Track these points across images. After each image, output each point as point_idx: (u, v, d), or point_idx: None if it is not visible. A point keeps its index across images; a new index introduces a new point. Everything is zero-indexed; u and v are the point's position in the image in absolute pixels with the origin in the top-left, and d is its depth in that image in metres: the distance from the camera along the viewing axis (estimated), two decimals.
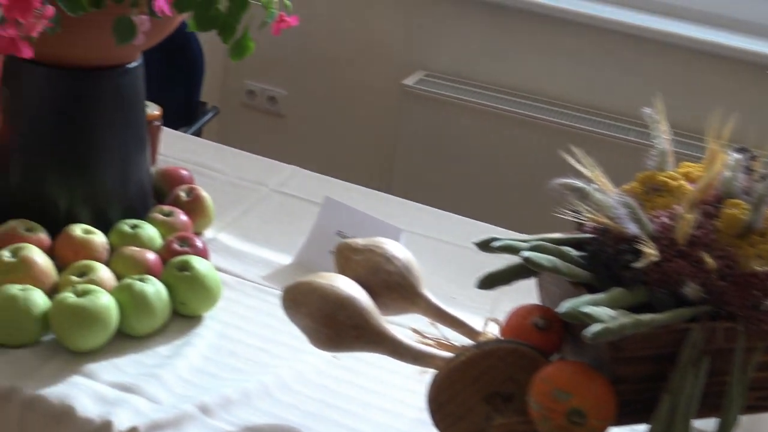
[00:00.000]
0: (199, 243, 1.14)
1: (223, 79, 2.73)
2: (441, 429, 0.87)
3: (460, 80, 2.43)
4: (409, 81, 2.44)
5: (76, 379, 0.94)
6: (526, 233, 0.98)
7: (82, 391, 0.92)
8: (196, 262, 1.07)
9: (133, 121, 1.16)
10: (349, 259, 0.97)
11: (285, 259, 1.26)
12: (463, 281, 1.06)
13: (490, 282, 0.87)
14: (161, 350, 1.01)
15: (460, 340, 0.94)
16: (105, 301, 0.97)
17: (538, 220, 1.15)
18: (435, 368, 0.89)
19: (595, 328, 0.72)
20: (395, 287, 0.95)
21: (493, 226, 1.40)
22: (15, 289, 0.96)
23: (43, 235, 1.09)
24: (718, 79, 2.25)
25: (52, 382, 0.92)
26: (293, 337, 0.97)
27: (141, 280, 1.02)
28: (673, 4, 2.30)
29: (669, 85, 2.17)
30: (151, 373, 0.96)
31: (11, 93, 1.14)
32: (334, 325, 0.88)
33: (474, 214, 1.48)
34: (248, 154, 1.59)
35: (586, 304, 0.76)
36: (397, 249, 0.97)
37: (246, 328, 1.08)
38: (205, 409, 0.92)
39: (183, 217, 1.21)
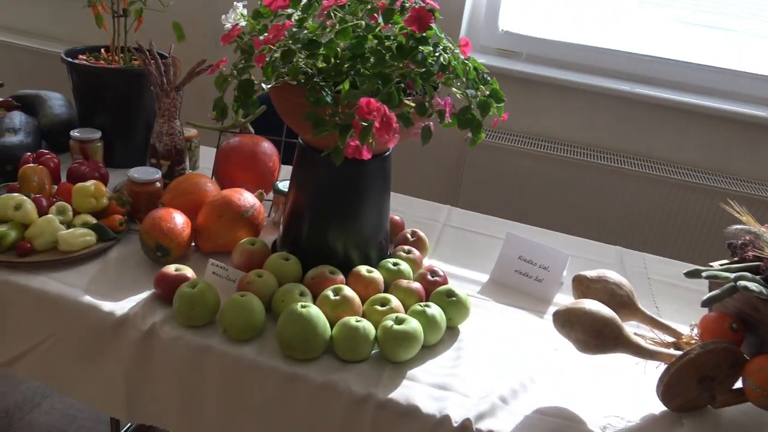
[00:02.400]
0: (441, 273, 1.16)
1: None
2: (666, 402, 0.92)
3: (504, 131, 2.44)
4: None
5: (408, 384, 0.96)
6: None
7: (416, 392, 0.94)
8: (456, 289, 1.10)
9: (384, 188, 1.18)
10: (589, 287, 1.00)
11: (482, 277, 1.28)
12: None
13: (710, 302, 0.92)
14: (447, 354, 1.04)
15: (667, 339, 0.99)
16: (415, 325, 0.99)
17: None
18: (664, 362, 0.93)
19: None
20: (624, 305, 0.99)
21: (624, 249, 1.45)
22: (353, 320, 0.98)
23: (341, 277, 1.11)
24: None
25: (393, 387, 0.95)
26: (525, 333, 1.01)
27: (427, 306, 1.05)
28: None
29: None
30: (453, 374, 0.99)
31: (302, 170, 1.15)
32: (601, 337, 0.92)
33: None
34: (409, 197, 1.60)
35: None
36: (620, 278, 1.01)
37: (491, 332, 1.11)
38: (503, 399, 0.95)
39: (417, 253, 1.23)
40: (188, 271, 1.07)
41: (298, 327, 0.96)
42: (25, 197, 1.14)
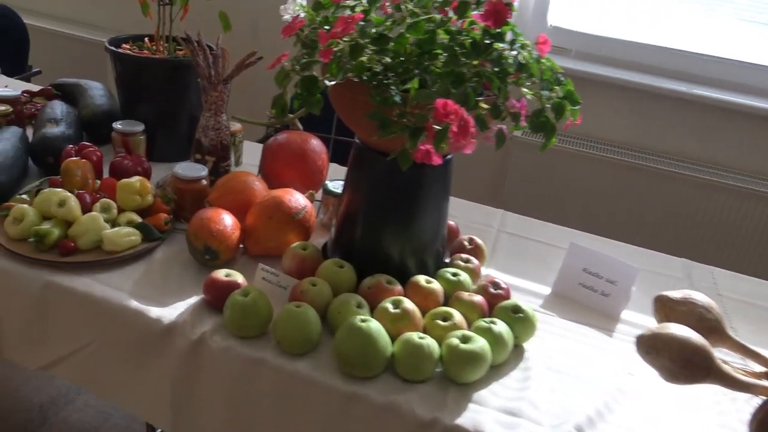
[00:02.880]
0: (503, 285, 1.09)
1: None
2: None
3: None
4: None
5: (474, 408, 0.89)
6: None
7: (485, 418, 0.88)
8: (522, 304, 1.02)
9: (444, 193, 1.10)
10: (673, 309, 0.93)
11: (543, 289, 1.21)
12: None
13: None
14: (514, 375, 0.97)
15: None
16: (482, 344, 0.92)
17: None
18: (760, 395, 0.85)
19: None
20: (713, 330, 0.91)
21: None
22: (416, 337, 0.92)
23: (399, 287, 1.04)
24: None
25: (459, 411, 0.88)
26: (594, 353, 0.94)
27: (492, 323, 0.97)
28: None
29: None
30: (521, 397, 0.92)
31: (358, 172, 1.09)
32: (690, 366, 0.84)
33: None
34: (459, 199, 1.52)
35: None
36: (708, 300, 0.93)
37: (558, 351, 1.03)
38: (579, 428, 0.87)
39: (475, 262, 1.16)
40: (239, 277, 1.01)
41: (358, 343, 0.89)
42: (69, 193, 1.09)
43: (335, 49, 0.83)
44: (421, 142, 0.83)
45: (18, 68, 2.29)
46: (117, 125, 1.38)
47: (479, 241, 1.22)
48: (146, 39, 1.52)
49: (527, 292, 1.19)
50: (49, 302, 1.03)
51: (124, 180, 1.15)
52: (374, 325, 0.91)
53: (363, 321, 0.91)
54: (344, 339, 0.90)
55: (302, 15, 0.98)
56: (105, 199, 1.13)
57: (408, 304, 0.98)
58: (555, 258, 1.26)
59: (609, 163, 2.20)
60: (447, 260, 1.18)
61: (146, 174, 1.31)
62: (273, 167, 1.32)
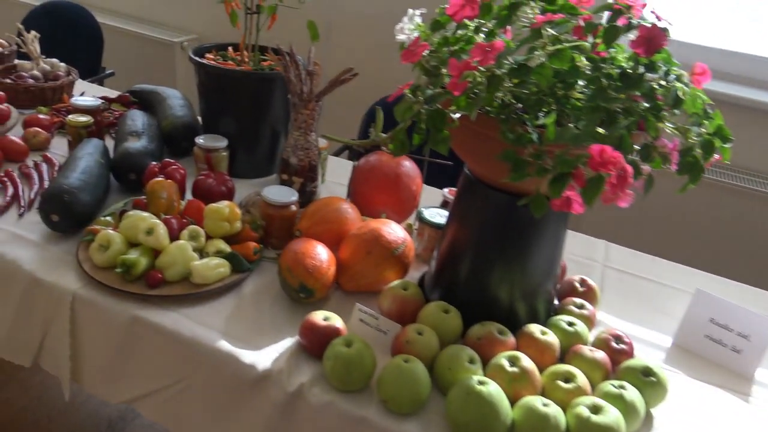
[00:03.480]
0: (626, 339, 0.97)
1: None
2: None
3: None
4: None
5: None
6: None
7: None
8: (652, 365, 0.90)
9: (563, 228, 0.99)
10: None
11: (663, 340, 1.08)
12: None
13: None
14: None
15: None
16: (616, 416, 0.81)
17: None
18: None
19: None
20: None
21: None
22: (539, 404, 0.81)
23: (512, 338, 0.93)
24: None
25: None
26: (731, 423, 0.82)
27: (621, 387, 0.86)
28: None
29: None
30: None
31: (467, 204, 0.99)
32: None
33: None
34: None
35: None
36: None
37: (690, 419, 0.92)
38: None
39: (590, 308, 1.04)
40: (337, 321, 0.93)
41: (477, 411, 0.79)
42: (157, 220, 1.02)
43: (472, 81, 0.72)
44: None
45: (92, 70, 2.27)
46: (200, 140, 1.32)
47: (592, 282, 1.10)
48: (230, 48, 1.45)
49: (646, 343, 1.07)
50: (135, 337, 0.97)
51: (213, 205, 1.08)
52: (494, 390, 0.81)
53: (481, 383, 0.81)
54: (461, 405, 0.80)
55: (416, 34, 0.89)
56: (193, 226, 1.06)
57: (526, 362, 0.88)
58: (671, 300, 1.14)
59: (732, 191, 2.01)
60: (556, 302, 1.07)
61: (230, 193, 1.25)
62: (364, 191, 1.23)
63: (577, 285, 1.09)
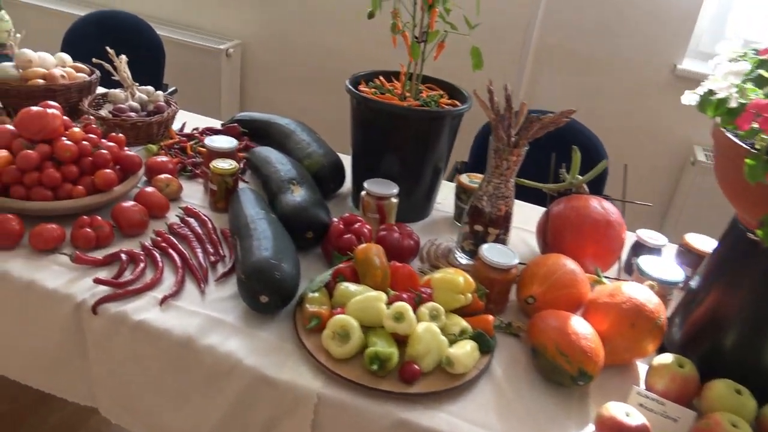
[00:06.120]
0: None
1: None
2: None
3: None
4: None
5: None
6: None
7: None
8: None
9: None
10: None
11: None
12: None
13: None
14: None
15: None
16: None
17: None
18: None
19: None
20: None
21: None
22: None
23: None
24: None
25: None
26: None
27: None
28: None
29: None
30: None
31: (737, 261, 0.90)
32: None
33: None
34: None
35: None
36: None
37: None
38: None
39: None
40: (639, 417, 0.82)
41: None
42: (405, 305, 0.88)
43: None
44: None
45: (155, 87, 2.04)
46: (370, 186, 1.17)
47: None
48: (380, 77, 1.30)
49: None
50: None
51: (447, 276, 0.95)
52: None
53: None
54: None
55: (733, 92, 0.77)
56: (432, 303, 0.92)
57: None
58: None
59: None
60: None
61: (417, 248, 1.11)
62: (571, 241, 1.11)
63: None
